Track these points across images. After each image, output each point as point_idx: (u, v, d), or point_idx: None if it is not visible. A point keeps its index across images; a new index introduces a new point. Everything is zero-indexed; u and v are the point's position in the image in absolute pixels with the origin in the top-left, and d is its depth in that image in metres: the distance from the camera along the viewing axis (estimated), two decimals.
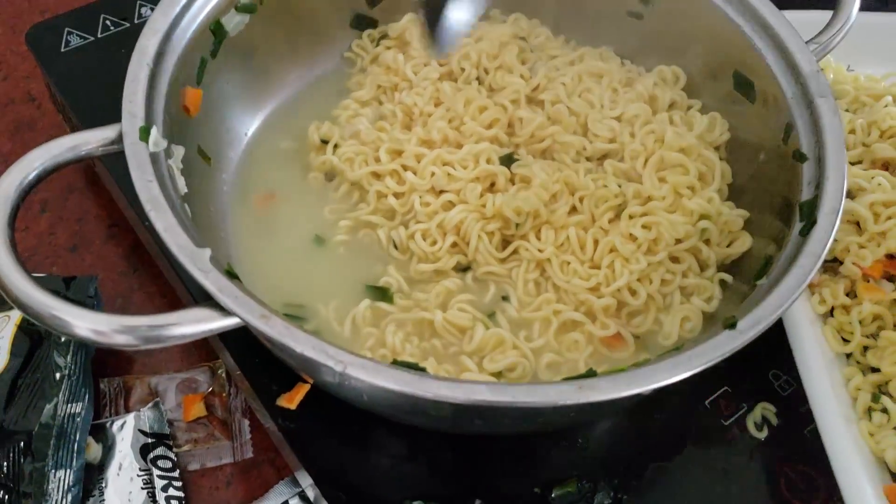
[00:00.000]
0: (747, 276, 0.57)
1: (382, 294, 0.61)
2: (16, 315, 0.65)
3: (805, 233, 0.53)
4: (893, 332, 0.60)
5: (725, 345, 0.47)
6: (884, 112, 0.69)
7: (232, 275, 0.49)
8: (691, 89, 0.70)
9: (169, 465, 0.64)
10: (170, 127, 0.55)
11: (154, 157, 0.51)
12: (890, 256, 0.62)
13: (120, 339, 0.45)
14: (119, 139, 0.51)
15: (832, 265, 0.64)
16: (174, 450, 0.65)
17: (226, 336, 0.61)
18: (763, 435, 0.60)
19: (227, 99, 0.66)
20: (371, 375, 0.44)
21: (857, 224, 0.64)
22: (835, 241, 0.63)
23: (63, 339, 0.64)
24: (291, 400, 0.55)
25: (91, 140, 0.51)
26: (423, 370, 0.49)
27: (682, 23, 0.68)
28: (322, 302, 0.61)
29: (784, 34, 0.61)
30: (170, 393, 0.68)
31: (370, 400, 0.51)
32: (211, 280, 0.46)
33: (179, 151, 0.56)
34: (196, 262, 0.47)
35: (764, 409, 0.61)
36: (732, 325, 0.48)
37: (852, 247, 0.63)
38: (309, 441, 0.58)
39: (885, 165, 0.68)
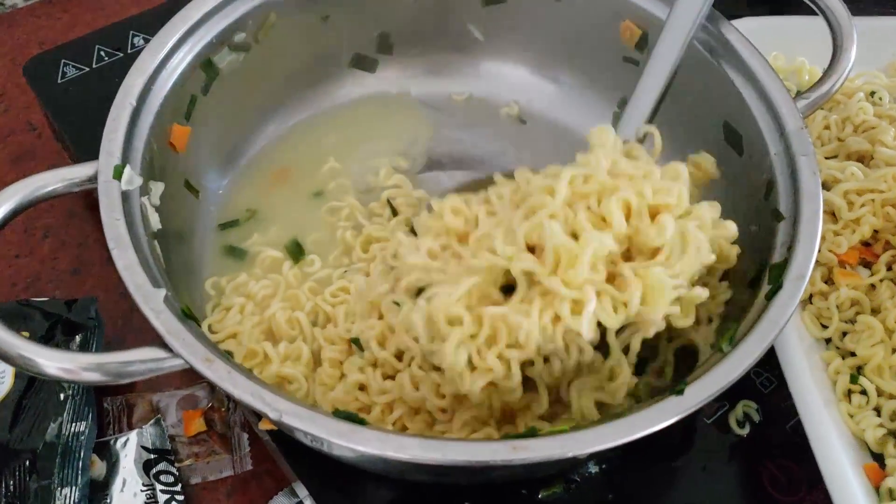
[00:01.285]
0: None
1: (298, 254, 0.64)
2: None
3: (770, 297, 0.52)
4: (870, 316, 0.62)
5: (669, 412, 0.46)
6: (856, 107, 0.71)
7: (188, 315, 0.51)
8: (682, 135, 0.68)
9: (171, 479, 0.66)
10: (150, 164, 0.57)
11: (127, 196, 0.53)
12: (865, 244, 0.64)
13: (87, 377, 0.47)
14: (95, 177, 0.53)
15: None
16: (176, 464, 0.66)
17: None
18: (745, 432, 0.61)
19: (215, 135, 0.68)
20: (306, 424, 0.45)
21: (833, 214, 0.65)
22: None
23: None
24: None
25: (67, 177, 0.53)
26: (362, 422, 0.48)
27: (678, 73, 0.66)
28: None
29: (771, 88, 0.61)
30: (171, 409, 0.70)
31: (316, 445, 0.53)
32: (161, 321, 0.48)
33: (158, 188, 0.58)
34: (149, 302, 0.49)
35: (745, 407, 0.62)
36: (680, 392, 0.47)
37: (828, 235, 0.64)
38: (304, 452, 0.59)
39: (860, 158, 0.69)
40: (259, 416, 0.58)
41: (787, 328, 0.58)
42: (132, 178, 0.54)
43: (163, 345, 0.47)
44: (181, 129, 0.62)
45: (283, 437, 0.59)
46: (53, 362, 0.47)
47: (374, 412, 0.55)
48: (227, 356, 0.49)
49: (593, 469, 0.58)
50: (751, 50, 0.62)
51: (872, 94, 0.74)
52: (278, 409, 0.45)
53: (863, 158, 0.69)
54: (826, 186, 0.66)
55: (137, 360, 0.47)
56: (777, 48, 0.78)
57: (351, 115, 0.75)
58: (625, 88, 0.72)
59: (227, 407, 0.70)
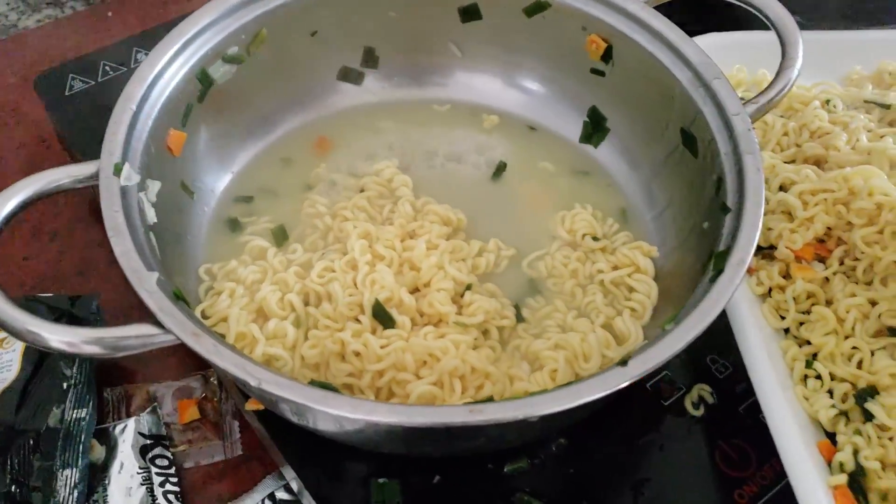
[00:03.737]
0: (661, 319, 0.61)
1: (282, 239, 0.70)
2: None
3: (713, 280, 0.55)
4: (823, 307, 0.66)
5: (613, 381, 0.50)
6: (812, 114, 0.75)
7: (179, 297, 0.55)
8: (646, 141, 0.75)
9: (166, 463, 0.70)
10: (148, 164, 0.62)
11: (126, 191, 0.58)
12: (819, 241, 0.68)
13: (87, 349, 0.52)
14: (97, 175, 0.58)
15: (769, 252, 0.70)
16: (171, 450, 0.71)
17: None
18: (699, 413, 0.65)
19: (210, 141, 0.73)
20: (284, 391, 0.49)
21: (790, 214, 0.69)
22: (769, 229, 0.70)
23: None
24: (258, 403, 0.61)
25: (73, 174, 0.58)
26: (335, 390, 0.53)
27: (640, 83, 0.73)
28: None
29: (723, 95, 0.65)
30: (167, 399, 0.74)
31: (294, 414, 0.57)
32: (154, 300, 0.52)
33: (155, 186, 0.63)
34: (144, 283, 0.53)
35: (701, 390, 0.66)
36: (624, 363, 0.51)
37: (785, 233, 0.68)
38: (290, 434, 0.64)
39: (816, 161, 0.74)
40: (246, 396, 0.63)
41: (747, 321, 0.63)
42: (130, 175, 0.59)
43: (156, 322, 0.52)
44: (177, 135, 0.67)
45: (271, 419, 0.63)
46: (57, 336, 0.51)
47: (364, 379, 0.59)
48: (218, 336, 0.53)
49: (557, 446, 0.62)
50: (707, 62, 0.67)
51: (828, 102, 0.78)
52: (258, 378, 0.49)
53: (819, 162, 0.74)
54: (784, 188, 0.71)
55: (132, 335, 0.52)
56: (741, 61, 0.83)
57: (338, 124, 0.79)
58: (593, 98, 0.77)
59: (220, 397, 0.74)
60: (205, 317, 0.63)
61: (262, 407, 0.61)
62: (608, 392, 0.48)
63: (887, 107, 0.76)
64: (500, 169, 0.77)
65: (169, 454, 0.70)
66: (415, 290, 0.65)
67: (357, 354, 0.60)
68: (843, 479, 0.57)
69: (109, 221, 0.55)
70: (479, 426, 0.47)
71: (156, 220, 0.61)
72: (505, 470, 0.60)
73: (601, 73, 0.75)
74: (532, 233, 0.72)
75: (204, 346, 0.50)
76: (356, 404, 0.48)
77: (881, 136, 0.71)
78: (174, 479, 0.69)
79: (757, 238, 0.56)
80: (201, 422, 0.73)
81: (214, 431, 0.73)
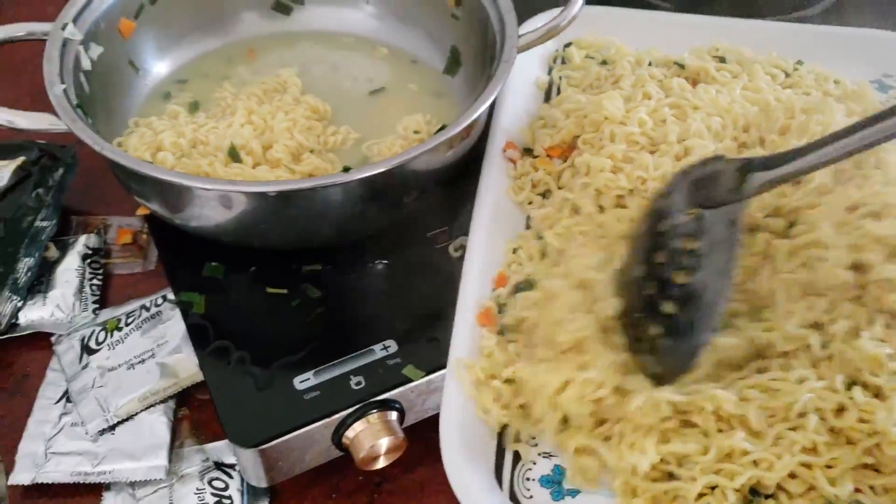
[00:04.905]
0: None
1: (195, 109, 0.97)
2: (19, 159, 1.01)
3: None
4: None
5: (334, 180, 0.71)
6: (621, 65, 0.97)
7: (80, 107, 0.81)
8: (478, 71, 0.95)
9: (98, 266, 0.96)
10: (95, 34, 0.89)
11: (67, 42, 0.85)
12: (571, 147, 0.88)
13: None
14: (48, 32, 0.86)
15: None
16: (104, 260, 0.97)
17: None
18: (458, 254, 0.85)
19: (159, 35, 0.99)
20: (117, 157, 0.73)
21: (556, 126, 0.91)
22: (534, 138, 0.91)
23: (45, 178, 0.99)
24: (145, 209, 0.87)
25: (33, 29, 0.86)
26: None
27: (476, 25, 0.95)
28: None
29: (508, 22, 0.89)
30: (113, 228, 1.01)
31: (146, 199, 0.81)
32: (55, 98, 0.78)
33: (97, 49, 0.89)
34: (53, 88, 0.79)
35: (462, 241, 0.86)
36: (346, 170, 0.74)
37: (542, 136, 0.90)
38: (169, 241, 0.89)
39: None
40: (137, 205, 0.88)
41: (489, 187, 0.85)
42: (74, 32, 0.86)
43: (56, 115, 0.79)
44: (128, 23, 0.93)
45: (156, 225, 0.89)
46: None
47: None
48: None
49: (345, 260, 0.84)
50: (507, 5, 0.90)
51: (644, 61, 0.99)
52: (101, 145, 0.74)
53: None
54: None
55: (42, 120, 0.79)
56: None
57: (267, 41, 1.06)
58: (453, 39, 1.01)
59: (149, 231, 1.00)
60: (119, 146, 0.90)
61: (148, 211, 0.86)
62: (331, 183, 0.71)
63: (682, 66, 0.96)
64: (378, 88, 1.01)
65: (101, 261, 0.97)
66: (269, 147, 0.89)
67: (207, 175, 0.84)
68: (491, 305, 0.77)
69: (48, 54, 0.83)
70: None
71: (90, 69, 0.87)
72: (303, 269, 0.83)
73: (457, 18, 0.98)
74: (381, 129, 0.95)
75: (77, 127, 0.76)
76: (155, 169, 0.74)
77: (659, 81, 0.91)
78: (100, 276, 0.95)
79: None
80: (133, 246, 1.00)
81: (140, 253, 0.99)
